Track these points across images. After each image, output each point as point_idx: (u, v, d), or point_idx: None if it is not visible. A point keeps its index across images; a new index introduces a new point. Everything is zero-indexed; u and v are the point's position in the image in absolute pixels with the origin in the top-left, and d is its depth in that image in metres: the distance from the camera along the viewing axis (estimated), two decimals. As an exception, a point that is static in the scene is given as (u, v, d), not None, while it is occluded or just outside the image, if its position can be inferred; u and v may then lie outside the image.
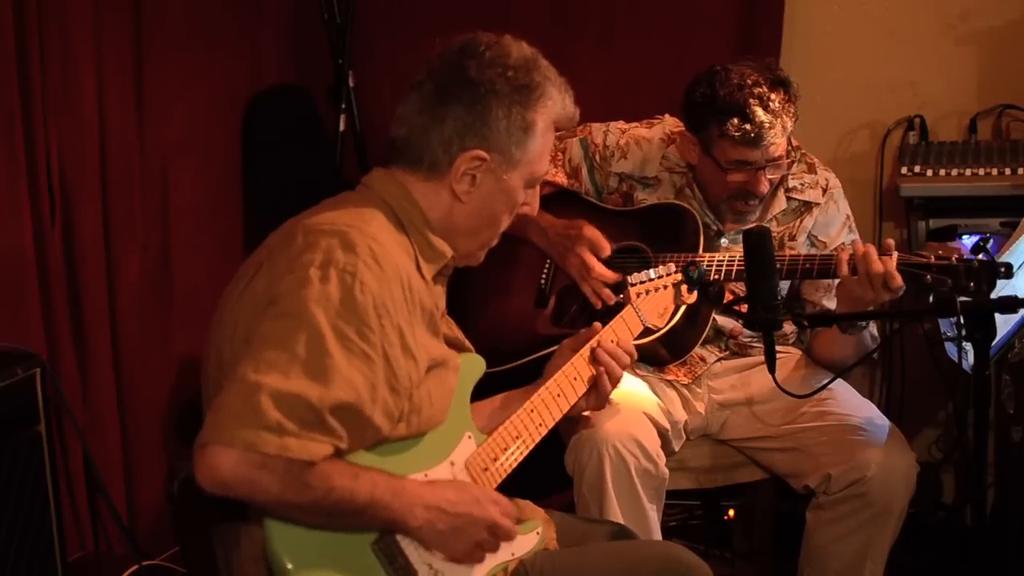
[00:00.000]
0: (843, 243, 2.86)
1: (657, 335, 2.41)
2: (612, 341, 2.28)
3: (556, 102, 2.02)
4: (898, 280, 2.47)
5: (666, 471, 2.62)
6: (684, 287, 2.42)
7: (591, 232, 2.76)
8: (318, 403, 1.74)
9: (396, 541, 1.89)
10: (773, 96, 2.65)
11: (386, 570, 1.87)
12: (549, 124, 2.03)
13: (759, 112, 2.63)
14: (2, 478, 2.57)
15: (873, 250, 2.51)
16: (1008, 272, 2.38)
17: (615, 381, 2.28)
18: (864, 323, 2.70)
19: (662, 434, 2.67)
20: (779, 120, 2.65)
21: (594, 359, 2.25)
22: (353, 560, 1.85)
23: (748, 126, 2.63)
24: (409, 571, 1.89)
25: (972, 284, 2.37)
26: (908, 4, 3.54)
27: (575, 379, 2.24)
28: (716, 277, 2.66)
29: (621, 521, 2.52)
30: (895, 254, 2.50)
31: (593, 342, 2.26)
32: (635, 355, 2.31)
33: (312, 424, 1.74)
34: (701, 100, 2.70)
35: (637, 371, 2.77)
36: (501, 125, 1.97)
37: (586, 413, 2.45)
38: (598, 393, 2.28)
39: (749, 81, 2.66)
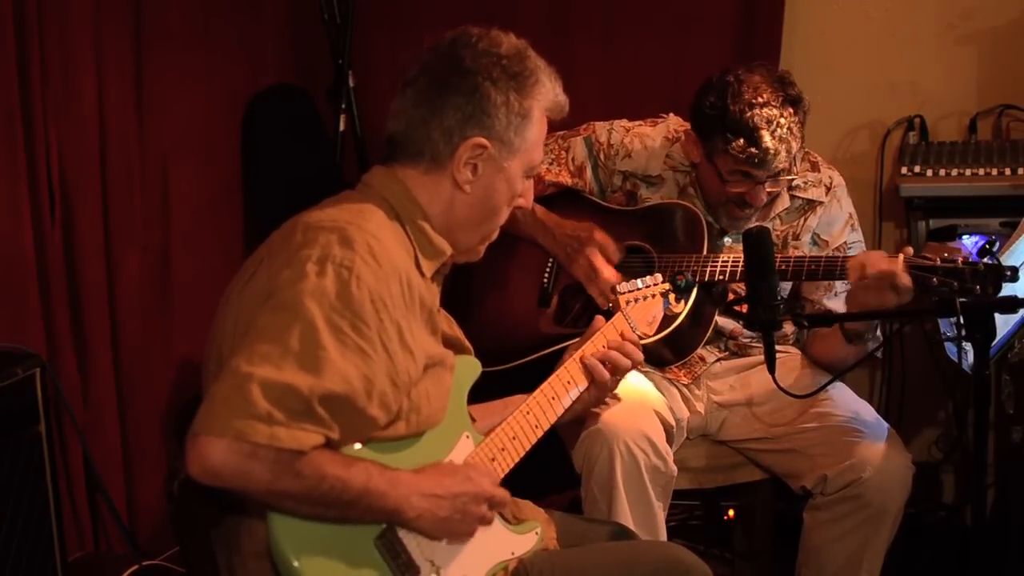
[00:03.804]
0: (846, 242, 2.86)
1: (647, 342, 2.40)
2: (603, 347, 2.29)
3: (548, 89, 2.05)
4: (905, 279, 2.46)
5: (674, 468, 2.62)
6: (672, 296, 2.42)
7: (601, 236, 2.76)
8: (308, 393, 1.75)
9: (398, 537, 1.89)
10: (782, 119, 2.62)
11: (389, 566, 1.88)
12: (543, 111, 2.05)
13: (766, 138, 2.61)
14: (2, 478, 2.57)
15: (879, 252, 2.51)
16: (1014, 276, 2.38)
17: (620, 373, 2.29)
18: (869, 335, 2.69)
19: (668, 431, 2.67)
20: (785, 145, 2.63)
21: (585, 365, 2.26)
22: (356, 555, 1.86)
23: (754, 150, 2.62)
24: (411, 567, 1.90)
25: (978, 287, 2.37)
26: (908, 4, 3.54)
27: (568, 382, 2.25)
28: (721, 278, 2.66)
29: (629, 518, 2.53)
30: (902, 255, 2.50)
31: (581, 351, 2.27)
32: (639, 358, 2.32)
33: (301, 414, 1.75)
34: (710, 111, 2.67)
35: (639, 368, 2.77)
36: (500, 112, 1.98)
37: (595, 410, 2.47)
38: (597, 385, 2.28)
39: (760, 99, 2.62)
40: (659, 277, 2.43)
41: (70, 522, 2.93)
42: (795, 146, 2.67)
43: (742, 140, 2.62)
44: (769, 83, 2.67)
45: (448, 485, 1.92)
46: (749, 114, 2.62)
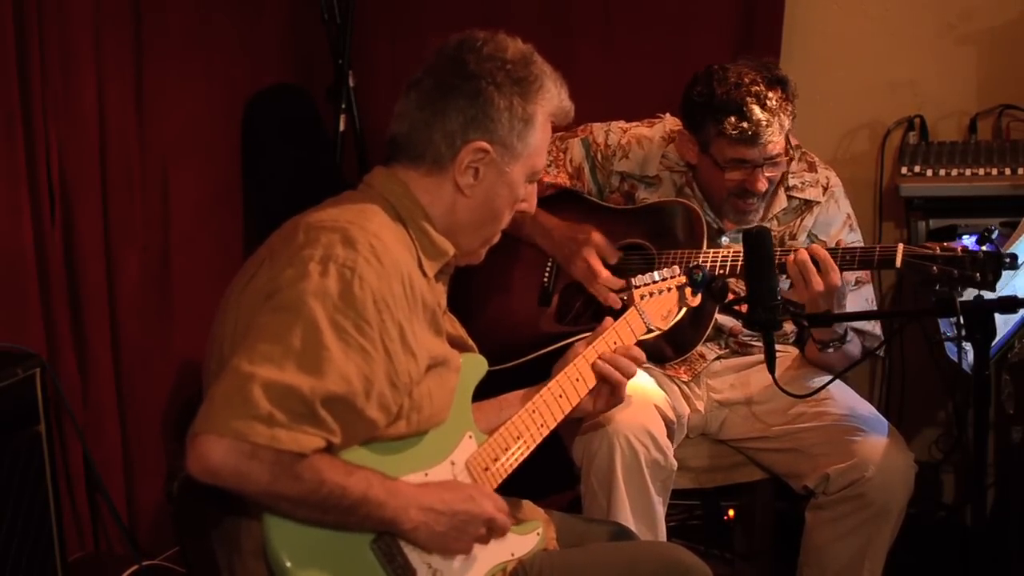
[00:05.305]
0: (844, 242, 2.86)
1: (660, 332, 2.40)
2: (614, 343, 2.29)
3: (553, 95, 2.04)
4: (802, 254, 2.52)
5: (674, 462, 2.63)
6: (688, 290, 2.42)
7: (598, 238, 2.77)
8: (310, 395, 1.75)
9: (395, 540, 1.89)
10: (770, 94, 2.66)
11: (385, 569, 1.87)
12: (547, 117, 2.05)
13: (756, 110, 2.64)
14: (2, 478, 2.57)
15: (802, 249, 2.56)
16: (1013, 262, 2.38)
17: (628, 375, 2.28)
18: (839, 341, 2.70)
19: (668, 427, 2.67)
20: (776, 118, 2.65)
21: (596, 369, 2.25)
22: (352, 559, 1.85)
23: (745, 124, 2.64)
24: (408, 570, 1.89)
25: (978, 274, 2.37)
26: (908, 4, 3.54)
27: (577, 380, 2.24)
28: (722, 272, 2.66)
29: (628, 513, 2.53)
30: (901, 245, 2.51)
31: (591, 349, 2.26)
32: (642, 358, 2.31)
33: (303, 416, 1.75)
34: (699, 99, 2.70)
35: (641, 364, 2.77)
36: (503, 116, 1.98)
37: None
38: (606, 397, 2.28)
39: (746, 80, 2.66)
40: (676, 269, 2.43)
41: (70, 522, 2.93)
42: (787, 122, 2.68)
43: (733, 117, 2.64)
44: (753, 68, 2.71)
45: (449, 501, 1.91)
46: (736, 92, 2.65)
